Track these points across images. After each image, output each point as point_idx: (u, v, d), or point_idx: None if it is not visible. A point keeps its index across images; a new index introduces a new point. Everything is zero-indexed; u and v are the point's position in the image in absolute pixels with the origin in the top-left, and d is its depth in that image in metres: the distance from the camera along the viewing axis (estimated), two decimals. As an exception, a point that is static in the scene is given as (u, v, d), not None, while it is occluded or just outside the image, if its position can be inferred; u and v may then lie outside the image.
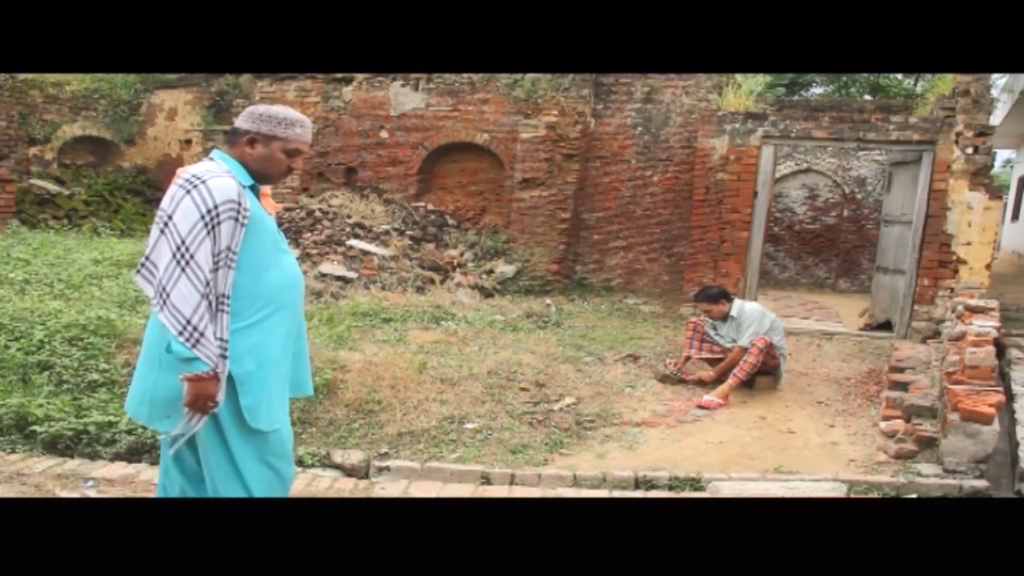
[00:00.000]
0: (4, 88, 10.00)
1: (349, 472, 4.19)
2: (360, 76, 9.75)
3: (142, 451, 4.13)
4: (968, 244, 7.10)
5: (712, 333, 5.77)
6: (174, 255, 2.05)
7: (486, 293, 8.23)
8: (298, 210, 8.82)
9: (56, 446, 4.12)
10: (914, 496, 3.84)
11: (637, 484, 3.94)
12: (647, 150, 8.99)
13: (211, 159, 2.29)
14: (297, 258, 7.87)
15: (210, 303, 2.08)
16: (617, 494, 3.87)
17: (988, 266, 7.18)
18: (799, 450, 4.48)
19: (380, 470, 4.17)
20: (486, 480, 3.99)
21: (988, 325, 4.83)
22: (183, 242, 2.05)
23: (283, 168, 2.30)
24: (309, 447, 4.34)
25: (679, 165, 8.86)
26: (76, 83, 11.02)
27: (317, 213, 8.65)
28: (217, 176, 2.14)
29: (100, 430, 4.15)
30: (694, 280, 7.85)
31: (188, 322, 2.03)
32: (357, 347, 5.52)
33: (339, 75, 9.83)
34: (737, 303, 5.69)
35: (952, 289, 6.97)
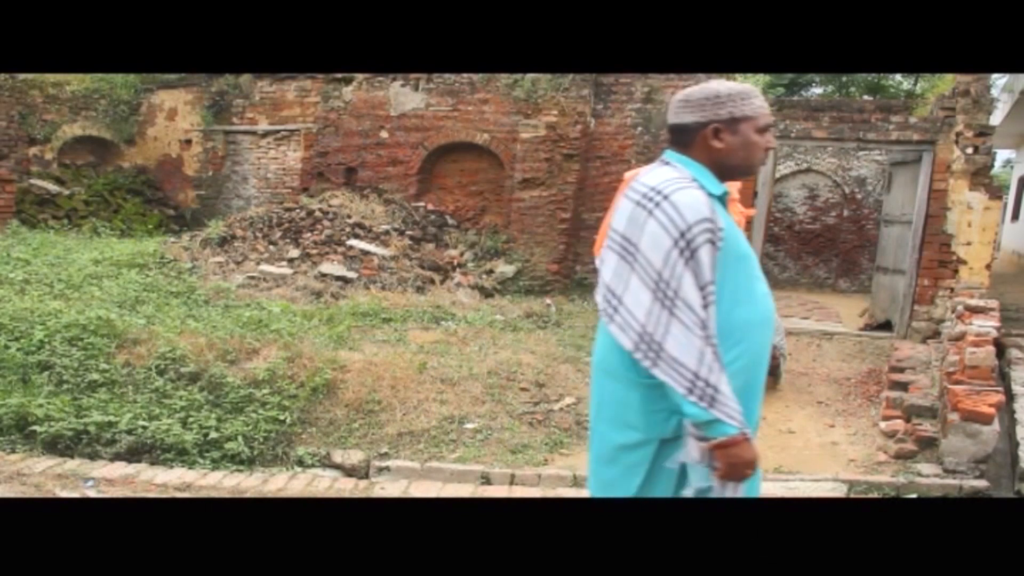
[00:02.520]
0: (4, 88, 10.00)
1: (349, 472, 4.20)
2: (360, 76, 9.74)
3: (142, 451, 4.13)
4: (968, 244, 7.09)
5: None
6: (654, 294, 1.64)
7: (486, 293, 8.23)
8: (298, 210, 8.82)
9: (56, 446, 4.12)
10: (914, 496, 3.84)
11: (637, 484, 3.94)
12: (647, 150, 8.98)
13: (667, 163, 1.82)
14: (297, 258, 7.88)
15: (714, 349, 1.65)
16: (617, 494, 3.87)
17: (988, 266, 7.17)
18: (799, 450, 4.49)
19: (380, 470, 4.17)
20: (486, 480, 4.00)
21: (988, 325, 4.83)
22: (660, 276, 1.64)
23: (763, 153, 1.82)
24: (309, 447, 4.34)
25: (679, 165, 8.84)
26: (76, 83, 11.02)
27: (317, 213, 8.65)
28: (682, 188, 1.69)
29: (100, 430, 4.16)
30: (694, 280, 7.84)
31: (696, 375, 1.61)
32: (357, 347, 5.52)
33: (339, 75, 9.83)
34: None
35: (952, 289, 6.97)
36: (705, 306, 1.65)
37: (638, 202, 1.70)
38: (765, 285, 1.83)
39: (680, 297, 1.63)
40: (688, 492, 1.74)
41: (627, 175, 1.87)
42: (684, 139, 1.81)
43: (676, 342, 1.62)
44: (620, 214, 1.74)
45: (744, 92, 1.79)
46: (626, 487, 1.77)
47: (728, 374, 1.66)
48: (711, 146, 1.78)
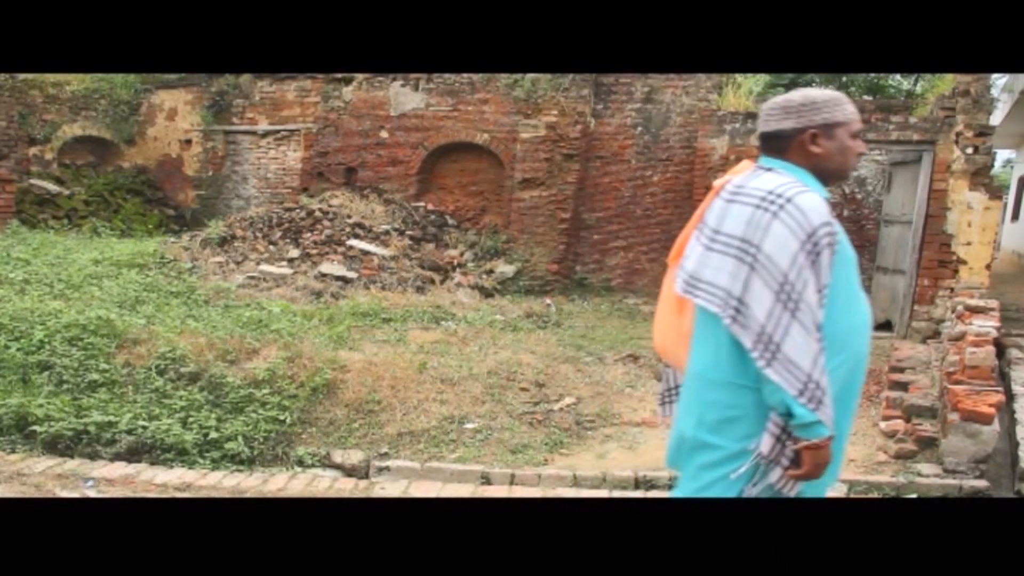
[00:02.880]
0: (4, 88, 10.00)
1: (349, 472, 4.19)
2: (360, 76, 9.74)
3: (142, 451, 4.13)
4: (968, 244, 7.09)
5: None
6: (777, 296, 1.66)
7: (486, 293, 8.23)
8: (298, 210, 8.82)
9: (56, 446, 4.12)
10: (914, 496, 3.84)
11: (637, 484, 3.94)
12: (647, 150, 8.99)
13: (769, 169, 1.83)
14: (297, 258, 7.88)
15: (823, 352, 1.67)
16: (617, 494, 3.87)
17: (988, 266, 7.17)
18: (799, 450, 4.48)
19: (380, 470, 4.17)
20: (486, 480, 3.99)
21: (988, 325, 4.83)
22: (785, 279, 1.65)
23: (856, 157, 1.85)
24: (309, 447, 4.34)
25: (679, 165, 8.85)
26: (76, 83, 11.02)
27: (317, 213, 8.65)
28: (802, 192, 1.71)
29: (100, 430, 4.15)
30: (694, 280, 7.84)
31: (809, 377, 1.63)
32: (357, 347, 5.52)
33: (339, 75, 9.83)
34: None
35: (952, 289, 6.96)
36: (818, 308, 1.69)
37: (758, 205, 1.71)
38: (863, 292, 1.85)
39: (803, 299, 1.65)
40: (752, 491, 1.76)
41: (717, 183, 1.89)
42: (780, 145, 1.84)
43: (794, 343, 1.64)
44: (733, 217, 1.75)
45: (837, 98, 1.83)
46: (731, 489, 1.78)
47: (829, 380, 1.68)
48: (809, 151, 1.81)
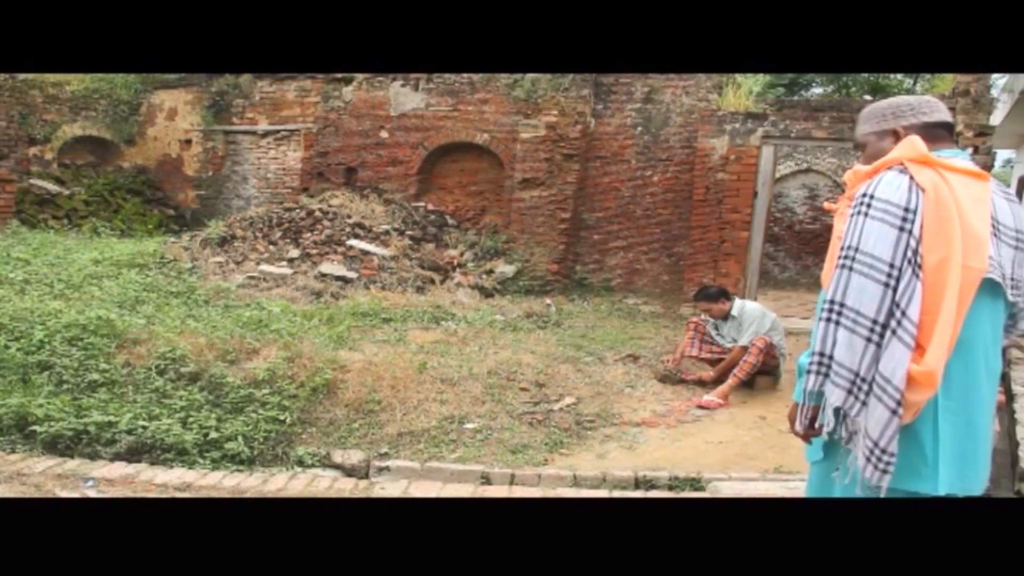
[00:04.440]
0: (4, 88, 10.00)
1: (349, 472, 4.19)
2: (360, 76, 9.75)
3: (142, 451, 4.13)
4: (968, 244, 7.08)
5: (714, 333, 5.77)
6: None
7: (486, 293, 8.23)
8: (298, 210, 8.82)
9: (56, 446, 4.12)
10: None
11: (637, 484, 3.94)
12: (647, 150, 8.99)
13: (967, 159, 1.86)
14: (297, 258, 7.89)
15: None
16: (617, 494, 3.87)
17: (988, 266, 7.16)
18: (799, 450, 4.46)
19: (380, 470, 4.17)
20: (486, 480, 3.99)
21: (988, 325, 4.82)
22: None
23: None
24: (309, 447, 4.34)
25: (679, 165, 8.86)
26: (76, 83, 11.02)
27: (317, 213, 8.65)
28: None
29: (100, 430, 4.15)
30: (694, 280, 7.85)
31: None
32: (357, 347, 5.52)
33: (339, 75, 9.83)
34: (738, 303, 5.70)
35: (952, 289, 6.96)
36: None
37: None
38: None
39: None
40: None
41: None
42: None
43: None
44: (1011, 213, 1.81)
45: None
46: None
47: None
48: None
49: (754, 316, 5.53)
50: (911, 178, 1.69)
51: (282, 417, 4.44)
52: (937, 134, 1.85)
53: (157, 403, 4.47)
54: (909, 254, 1.63)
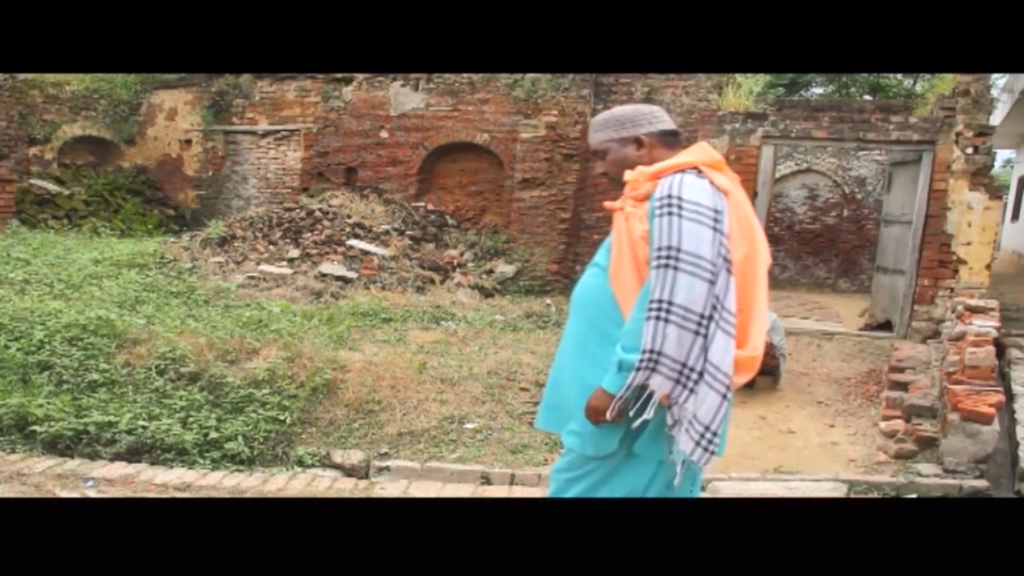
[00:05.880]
0: (4, 88, 10.00)
1: (349, 472, 4.19)
2: (360, 76, 9.74)
3: (142, 451, 4.13)
4: (968, 244, 7.09)
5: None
6: None
7: (486, 293, 8.22)
8: (298, 210, 8.82)
9: (56, 446, 4.12)
10: (914, 496, 3.84)
11: (637, 484, 3.94)
12: (647, 150, 8.97)
13: None
14: (297, 258, 7.89)
15: None
16: (617, 494, 3.87)
17: (988, 266, 7.17)
18: (799, 450, 4.48)
19: (380, 470, 4.17)
20: (486, 480, 3.99)
21: (988, 325, 4.83)
22: None
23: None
24: (309, 447, 4.34)
25: (679, 165, 8.84)
26: (76, 83, 11.02)
27: (317, 213, 8.64)
28: None
29: (100, 430, 4.15)
30: (694, 280, 7.84)
31: None
32: (357, 347, 5.52)
33: (339, 75, 9.83)
34: (737, 303, 5.69)
35: (952, 289, 6.96)
36: None
37: None
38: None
39: None
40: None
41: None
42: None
43: None
44: None
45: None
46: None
47: None
48: None
49: (754, 316, 5.52)
50: (711, 182, 1.84)
51: (282, 417, 4.44)
52: (673, 140, 2.03)
53: (157, 403, 4.47)
54: (723, 251, 1.77)
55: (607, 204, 2.04)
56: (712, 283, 1.74)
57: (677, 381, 1.74)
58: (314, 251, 8.05)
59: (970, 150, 7.01)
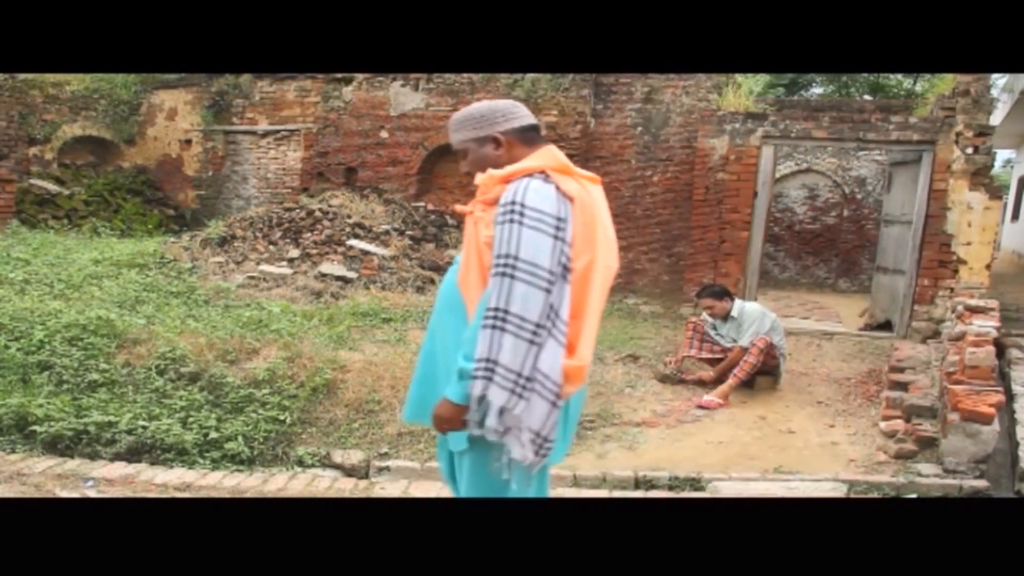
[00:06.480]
0: (4, 88, 10.00)
1: (349, 472, 4.19)
2: (360, 76, 9.74)
3: (142, 451, 4.13)
4: (968, 244, 7.09)
5: (712, 333, 5.77)
6: None
7: (486, 293, 8.21)
8: (298, 210, 8.81)
9: (56, 446, 4.12)
10: (914, 496, 3.84)
11: (637, 484, 3.94)
12: (647, 150, 8.99)
13: None
14: (297, 258, 7.89)
15: None
16: (617, 494, 3.87)
17: (988, 266, 7.17)
18: (799, 450, 4.48)
19: (380, 470, 4.17)
20: (486, 480, 3.99)
21: (988, 325, 4.83)
22: None
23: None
24: (309, 447, 4.34)
25: (679, 165, 8.85)
26: (76, 83, 11.02)
27: (317, 213, 8.64)
28: None
29: (100, 430, 4.16)
30: (694, 280, 7.84)
31: None
32: (357, 347, 5.52)
33: (339, 75, 9.83)
34: (738, 303, 5.69)
35: (952, 289, 6.96)
36: None
37: None
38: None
39: None
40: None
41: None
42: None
43: None
44: None
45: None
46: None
47: None
48: None
49: (754, 316, 5.53)
50: (557, 187, 1.80)
51: (282, 417, 4.44)
52: (533, 137, 2.01)
53: (157, 403, 4.47)
54: (564, 260, 1.76)
55: (457, 207, 2.03)
56: (549, 292, 1.72)
57: (512, 391, 1.72)
58: (314, 251, 8.05)
59: (970, 150, 7.01)
